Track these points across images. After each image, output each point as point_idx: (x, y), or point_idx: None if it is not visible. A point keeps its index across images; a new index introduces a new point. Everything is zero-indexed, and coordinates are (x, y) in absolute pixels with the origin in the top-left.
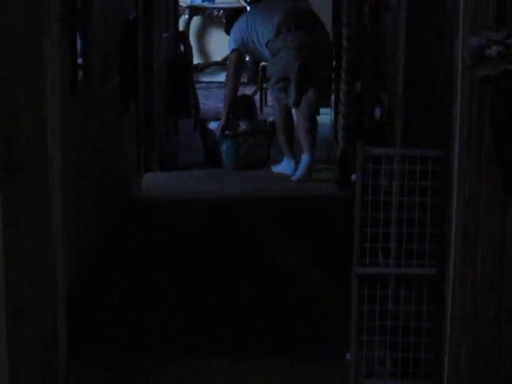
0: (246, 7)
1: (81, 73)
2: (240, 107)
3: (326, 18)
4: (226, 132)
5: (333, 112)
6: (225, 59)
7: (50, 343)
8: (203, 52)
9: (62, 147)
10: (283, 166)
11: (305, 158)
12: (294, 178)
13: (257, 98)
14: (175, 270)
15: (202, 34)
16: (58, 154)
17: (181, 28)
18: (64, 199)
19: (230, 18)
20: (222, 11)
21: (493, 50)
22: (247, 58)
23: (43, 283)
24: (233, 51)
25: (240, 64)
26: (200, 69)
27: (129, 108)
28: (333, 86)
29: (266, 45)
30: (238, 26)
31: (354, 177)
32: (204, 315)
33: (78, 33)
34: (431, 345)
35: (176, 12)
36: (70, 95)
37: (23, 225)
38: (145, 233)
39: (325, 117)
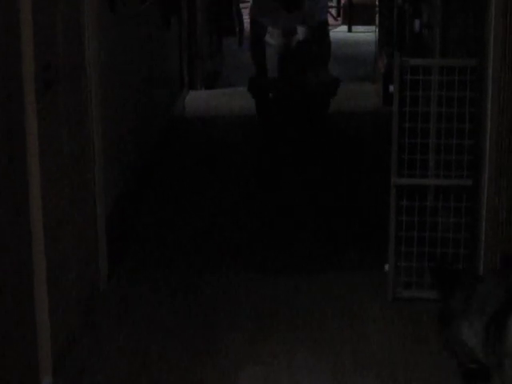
0: None
1: None
2: None
3: None
4: None
5: (377, 29)
6: None
7: (92, 258)
8: None
9: (101, 62)
10: None
11: None
12: None
13: None
14: (220, 184)
15: None
16: (96, 67)
17: None
18: (103, 113)
19: None
20: None
21: None
22: None
23: (83, 197)
24: None
25: None
26: None
27: (170, 25)
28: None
29: None
30: None
31: (391, 88)
32: (246, 231)
33: None
34: (468, 256)
35: None
36: (108, 11)
37: (61, 137)
38: (189, 149)
39: (369, 34)
